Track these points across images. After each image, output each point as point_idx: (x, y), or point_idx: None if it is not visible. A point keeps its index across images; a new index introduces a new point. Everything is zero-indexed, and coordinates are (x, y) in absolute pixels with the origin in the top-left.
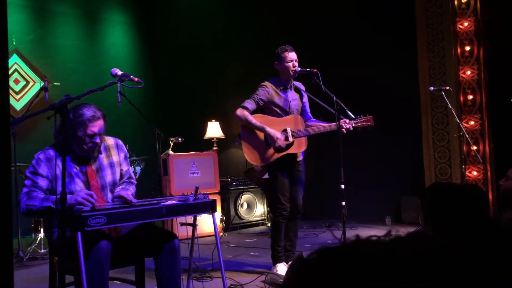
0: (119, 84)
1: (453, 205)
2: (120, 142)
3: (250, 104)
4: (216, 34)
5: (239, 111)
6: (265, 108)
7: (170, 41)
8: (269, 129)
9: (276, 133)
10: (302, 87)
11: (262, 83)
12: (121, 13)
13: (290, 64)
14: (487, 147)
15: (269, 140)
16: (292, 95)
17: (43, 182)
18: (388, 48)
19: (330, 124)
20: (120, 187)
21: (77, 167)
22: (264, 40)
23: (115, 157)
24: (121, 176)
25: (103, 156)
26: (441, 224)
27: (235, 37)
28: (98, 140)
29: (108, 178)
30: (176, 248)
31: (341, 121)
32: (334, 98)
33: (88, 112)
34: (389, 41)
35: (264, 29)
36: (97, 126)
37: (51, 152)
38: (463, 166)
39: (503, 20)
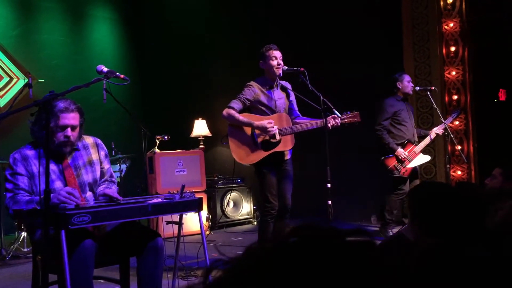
0: (104, 81)
1: (441, 205)
2: (99, 141)
3: (236, 104)
4: (204, 31)
5: (225, 111)
6: (252, 107)
7: (157, 38)
8: (257, 122)
9: (263, 123)
10: (289, 86)
11: (248, 83)
12: (107, 9)
13: (275, 62)
14: (471, 147)
15: (261, 131)
16: (278, 94)
17: (24, 182)
18: (374, 48)
19: (317, 121)
20: (103, 186)
21: (54, 165)
22: (252, 39)
23: (94, 155)
24: (102, 174)
25: (81, 154)
26: (429, 223)
27: (223, 35)
28: (69, 133)
29: (87, 176)
30: (159, 247)
31: (329, 117)
32: (321, 97)
33: (61, 104)
34: (375, 41)
35: (252, 28)
36: (69, 118)
37: (27, 151)
38: (448, 166)
39: (488, 21)
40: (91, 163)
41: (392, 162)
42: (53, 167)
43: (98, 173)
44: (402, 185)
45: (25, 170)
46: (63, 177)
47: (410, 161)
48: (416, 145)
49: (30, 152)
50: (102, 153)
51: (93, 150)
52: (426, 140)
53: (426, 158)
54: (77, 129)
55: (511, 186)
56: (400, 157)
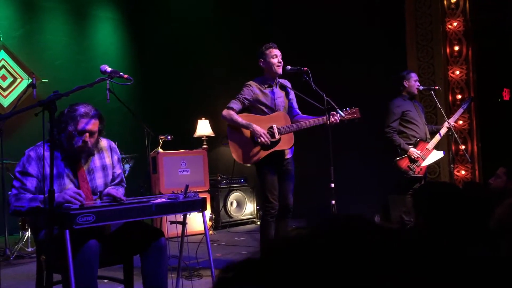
0: (108, 81)
1: (446, 204)
2: (113, 144)
3: (235, 104)
4: (206, 31)
5: (225, 112)
6: (251, 107)
7: (159, 39)
8: (255, 126)
9: (261, 129)
10: (288, 84)
11: (247, 83)
12: (110, 10)
13: (275, 60)
14: (475, 147)
15: (255, 136)
16: (277, 92)
17: (32, 183)
18: (377, 47)
19: (316, 118)
20: (110, 187)
21: (68, 168)
22: (254, 38)
23: (108, 159)
24: (113, 179)
25: (94, 159)
26: (433, 223)
27: (225, 34)
28: (87, 139)
29: (100, 181)
30: (163, 246)
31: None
32: (325, 97)
33: (83, 108)
34: (378, 41)
35: (253, 28)
36: (89, 124)
37: (44, 151)
38: (452, 165)
39: (492, 20)
40: (104, 167)
41: (405, 163)
42: (67, 170)
43: (110, 178)
44: (417, 184)
45: (37, 170)
46: (77, 181)
47: (424, 160)
48: (428, 142)
49: (46, 153)
50: (115, 157)
51: (106, 154)
52: (437, 137)
53: (439, 154)
54: (95, 135)
55: None
56: (413, 157)
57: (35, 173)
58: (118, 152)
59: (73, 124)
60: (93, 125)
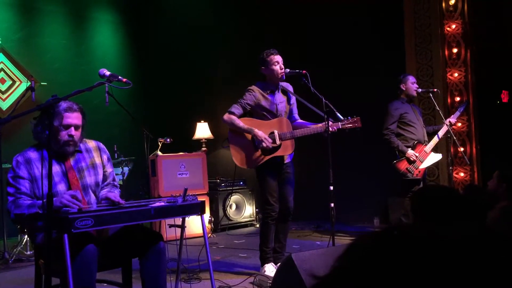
0: (107, 84)
1: (444, 208)
2: (101, 144)
3: (236, 109)
4: (205, 34)
5: (226, 116)
6: (253, 111)
7: (158, 41)
8: (256, 130)
9: (263, 134)
10: (290, 88)
11: (249, 88)
12: (109, 12)
13: (277, 67)
14: (474, 149)
15: (256, 141)
16: (279, 97)
17: (25, 186)
18: (376, 50)
19: (316, 126)
20: (106, 190)
21: (56, 166)
22: (254, 41)
23: (97, 159)
24: (105, 178)
25: (83, 157)
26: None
27: (225, 38)
28: (73, 133)
29: (90, 179)
30: (162, 250)
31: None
32: (323, 100)
33: (65, 103)
34: (377, 43)
35: (253, 30)
36: (73, 118)
37: (31, 153)
38: (451, 168)
39: (490, 23)
40: (94, 166)
41: (404, 165)
42: (56, 169)
43: (100, 177)
44: (416, 186)
45: (28, 173)
46: (67, 179)
47: (422, 162)
48: (426, 145)
49: (33, 155)
50: (105, 157)
51: (95, 153)
52: (435, 139)
53: (438, 157)
54: (80, 129)
55: (503, 188)
56: (411, 159)
57: (26, 175)
58: (107, 152)
59: (58, 119)
60: (77, 118)
